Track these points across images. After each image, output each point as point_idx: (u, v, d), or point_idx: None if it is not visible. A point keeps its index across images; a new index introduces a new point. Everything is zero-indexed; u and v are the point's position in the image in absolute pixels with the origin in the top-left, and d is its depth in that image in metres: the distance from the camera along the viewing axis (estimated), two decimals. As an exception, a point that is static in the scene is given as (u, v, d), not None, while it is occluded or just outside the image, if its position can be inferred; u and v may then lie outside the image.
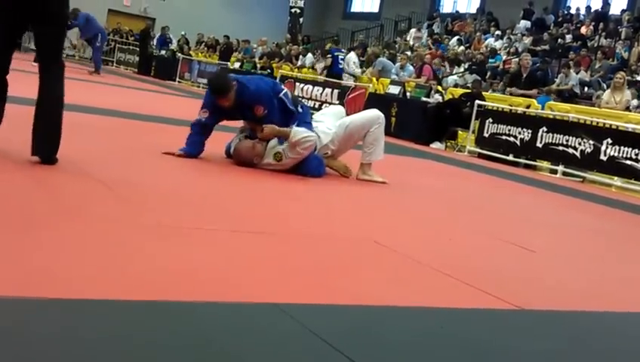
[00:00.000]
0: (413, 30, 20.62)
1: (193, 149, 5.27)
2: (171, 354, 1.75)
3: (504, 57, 17.14)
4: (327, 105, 13.67)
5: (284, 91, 5.49)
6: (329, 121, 5.68)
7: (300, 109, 5.49)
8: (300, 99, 13.96)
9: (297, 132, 5.18)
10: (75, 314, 1.91)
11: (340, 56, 16.75)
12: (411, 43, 19.37)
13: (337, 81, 15.50)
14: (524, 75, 12.70)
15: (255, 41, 22.85)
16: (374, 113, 5.76)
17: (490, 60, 17.11)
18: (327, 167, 5.57)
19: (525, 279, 3.33)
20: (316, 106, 14.41)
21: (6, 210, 2.91)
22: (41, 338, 1.71)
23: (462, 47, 19.20)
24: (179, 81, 21.69)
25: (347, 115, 6.12)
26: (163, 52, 24.33)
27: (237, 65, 20.38)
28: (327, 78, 16.03)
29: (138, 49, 25.04)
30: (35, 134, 3.86)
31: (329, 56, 16.92)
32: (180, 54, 23.29)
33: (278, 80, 16.32)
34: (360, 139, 5.65)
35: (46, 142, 3.87)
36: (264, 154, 5.23)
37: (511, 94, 12.62)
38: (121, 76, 20.21)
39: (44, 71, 3.90)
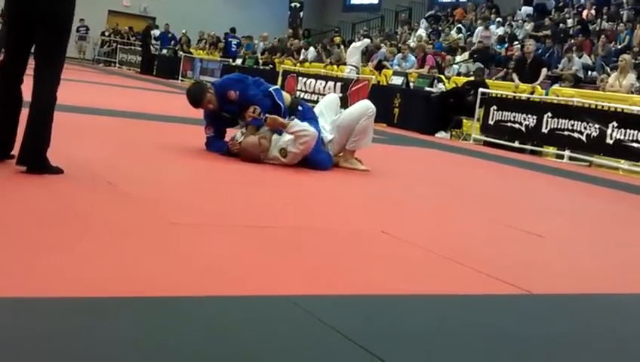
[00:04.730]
0: (421, 31, 20.48)
1: (222, 146, 5.52)
2: (185, 348, 1.77)
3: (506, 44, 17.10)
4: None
5: (274, 87, 5.69)
6: (327, 117, 5.71)
7: (300, 108, 5.55)
8: (301, 96, 14.05)
9: (295, 124, 5.25)
10: (86, 312, 1.93)
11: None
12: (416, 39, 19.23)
13: (340, 74, 15.61)
14: (529, 61, 12.62)
15: (256, 37, 22.87)
16: (364, 105, 5.81)
17: (497, 47, 17.08)
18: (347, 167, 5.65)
19: (534, 264, 3.34)
20: (319, 100, 14.40)
21: (18, 215, 2.93)
22: (57, 336, 1.74)
23: (461, 35, 19.13)
24: (181, 80, 21.67)
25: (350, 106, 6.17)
26: (165, 51, 24.34)
27: (239, 61, 20.36)
28: (328, 72, 16.16)
29: (140, 49, 25.05)
30: (22, 140, 3.70)
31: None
32: (181, 52, 23.30)
33: (280, 74, 16.38)
34: (352, 131, 5.64)
35: (26, 147, 3.68)
36: (269, 148, 5.26)
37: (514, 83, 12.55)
38: (124, 76, 20.24)
39: (36, 70, 3.75)
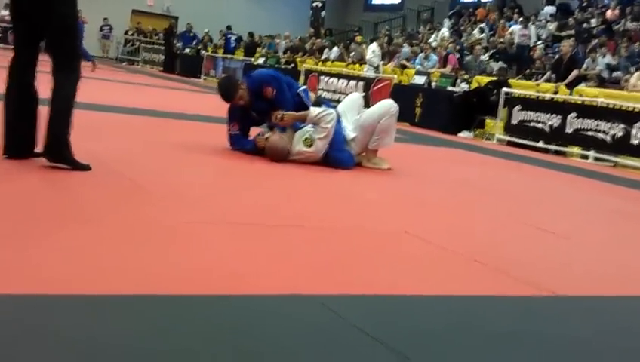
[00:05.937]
0: (444, 30, 20.32)
1: (245, 143, 5.51)
2: (213, 347, 1.77)
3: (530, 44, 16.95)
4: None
5: (302, 88, 5.68)
6: (349, 117, 5.69)
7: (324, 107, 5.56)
8: (323, 95, 14.06)
9: (314, 110, 5.30)
10: (90, 310, 1.94)
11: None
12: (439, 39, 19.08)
13: (362, 73, 15.62)
14: (565, 61, 12.52)
15: (278, 36, 22.92)
16: (387, 104, 5.77)
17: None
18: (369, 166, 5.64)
19: (558, 265, 3.31)
20: (341, 99, 14.41)
21: (36, 209, 2.95)
22: (57, 333, 1.74)
23: (484, 35, 18.99)
24: (204, 78, 21.78)
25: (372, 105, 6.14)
26: (187, 50, 24.49)
27: (261, 60, 20.41)
28: (350, 71, 16.14)
29: (163, 48, 25.21)
30: (45, 136, 3.77)
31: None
32: (204, 51, 23.42)
33: (302, 73, 16.38)
34: (374, 130, 5.63)
35: (49, 143, 3.74)
36: (292, 142, 5.26)
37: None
38: (147, 75, 20.36)
39: (54, 71, 3.80)
